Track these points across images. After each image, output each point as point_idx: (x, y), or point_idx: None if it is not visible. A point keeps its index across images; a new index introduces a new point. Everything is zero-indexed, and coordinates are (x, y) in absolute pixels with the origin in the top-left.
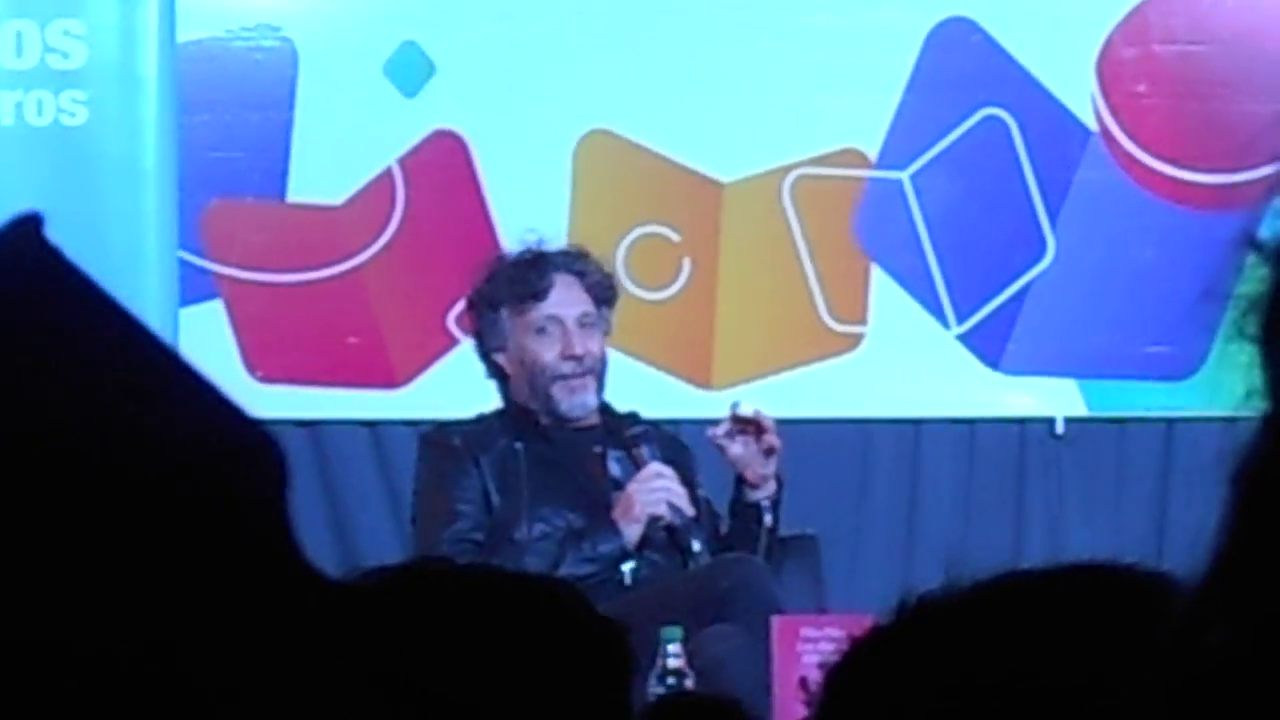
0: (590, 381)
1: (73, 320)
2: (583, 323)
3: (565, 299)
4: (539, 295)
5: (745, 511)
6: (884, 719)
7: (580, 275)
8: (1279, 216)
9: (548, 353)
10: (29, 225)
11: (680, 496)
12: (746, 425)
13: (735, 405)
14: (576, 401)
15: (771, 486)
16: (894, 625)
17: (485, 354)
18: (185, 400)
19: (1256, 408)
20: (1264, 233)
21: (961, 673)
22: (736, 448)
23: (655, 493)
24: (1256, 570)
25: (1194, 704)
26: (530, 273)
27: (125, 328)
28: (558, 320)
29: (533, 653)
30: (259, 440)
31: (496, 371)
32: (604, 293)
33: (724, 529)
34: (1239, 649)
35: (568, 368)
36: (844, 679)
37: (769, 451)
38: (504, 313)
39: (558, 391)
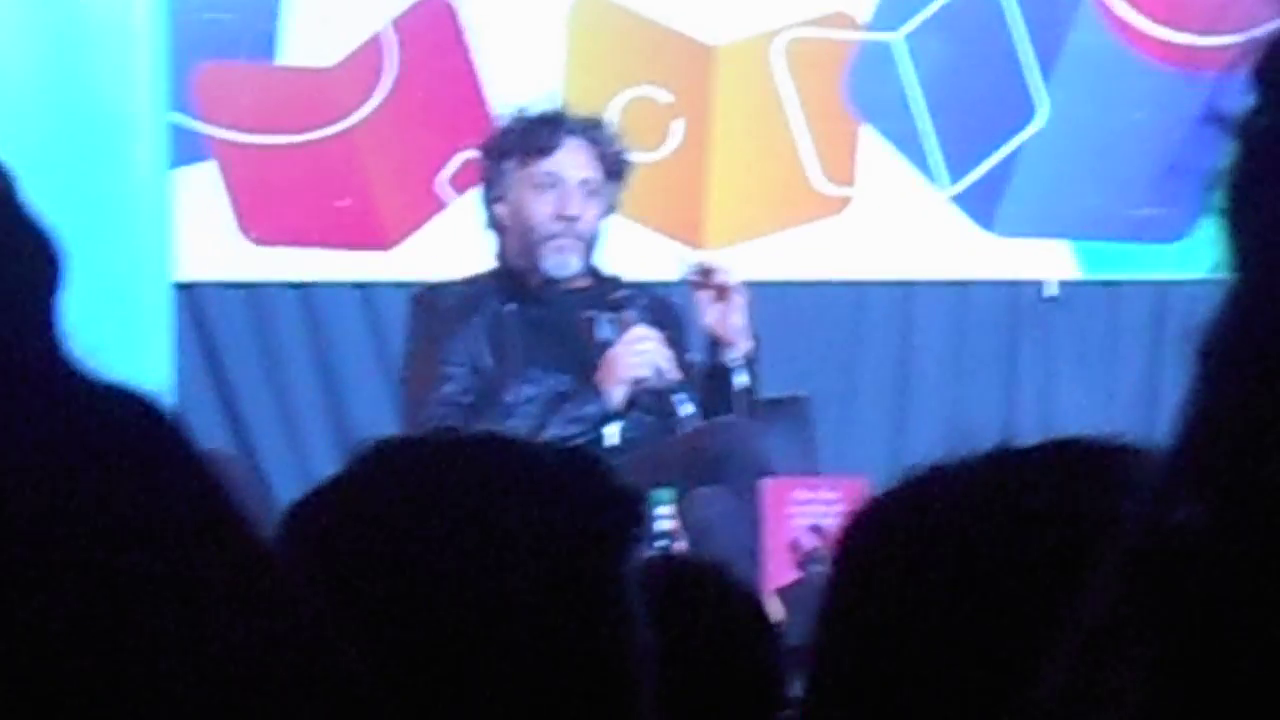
0: (577, 246)
1: None
2: (584, 189)
3: (571, 161)
4: (545, 151)
5: (718, 372)
6: (888, 579)
7: (593, 142)
8: (1244, 90)
9: (542, 209)
10: None
11: (664, 359)
12: (709, 279)
13: (700, 262)
14: (559, 261)
15: (744, 346)
16: (898, 492)
17: (487, 203)
18: None
19: (1225, 282)
20: (1228, 107)
21: (962, 538)
22: (708, 309)
23: (639, 355)
24: (1222, 447)
25: (1158, 580)
26: (542, 128)
27: None
28: (558, 178)
29: (541, 517)
30: (36, 236)
31: (494, 223)
32: (614, 165)
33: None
34: (1203, 526)
35: (558, 227)
36: (851, 543)
37: (734, 307)
38: (509, 164)
39: (544, 250)
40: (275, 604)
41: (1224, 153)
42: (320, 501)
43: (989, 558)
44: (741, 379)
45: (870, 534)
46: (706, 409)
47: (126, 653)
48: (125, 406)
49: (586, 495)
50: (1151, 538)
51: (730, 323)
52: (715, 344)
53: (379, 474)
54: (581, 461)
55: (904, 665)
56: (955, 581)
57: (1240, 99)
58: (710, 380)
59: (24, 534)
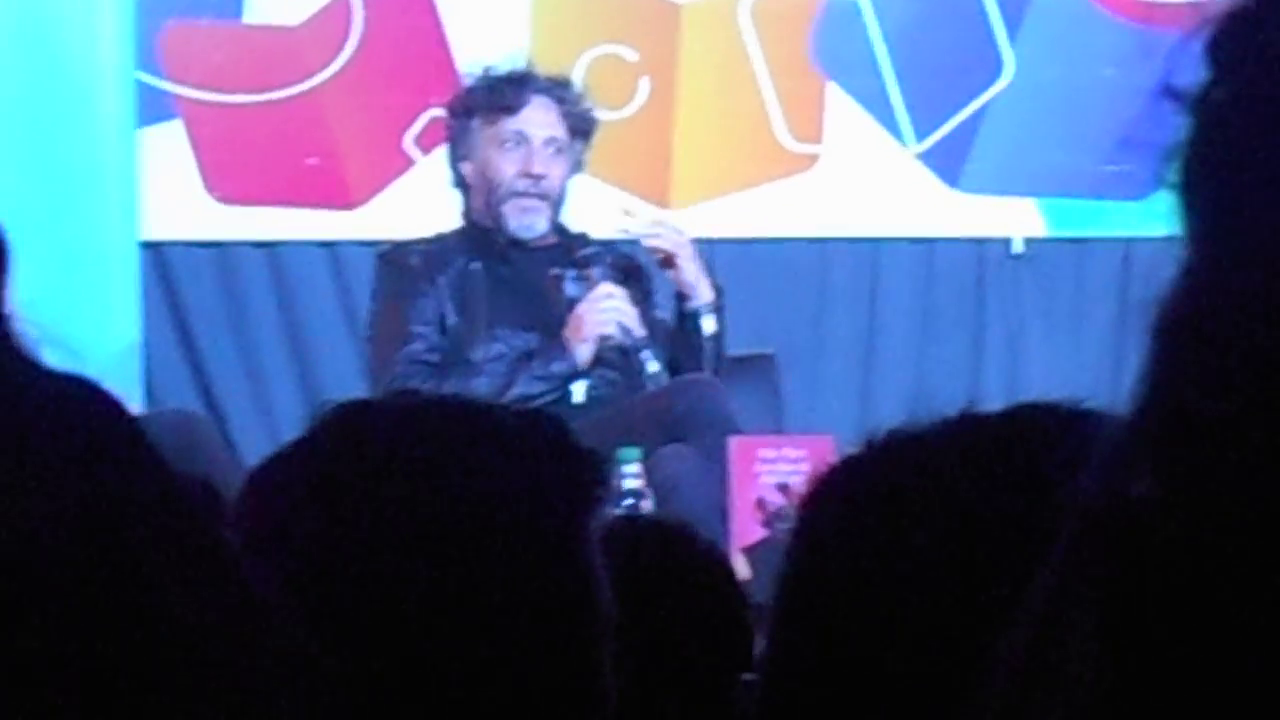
0: (543, 206)
1: None
2: (550, 147)
3: (537, 119)
4: (510, 109)
5: (685, 321)
6: (850, 545)
7: (559, 101)
8: (1198, 63)
9: (507, 167)
10: None
11: (629, 316)
12: (651, 242)
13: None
14: (525, 222)
15: (706, 294)
16: (864, 456)
17: (453, 162)
18: None
19: (1178, 258)
20: (1181, 81)
21: (927, 504)
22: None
23: (604, 313)
24: (1174, 422)
25: (1110, 552)
26: (508, 87)
27: None
28: (524, 137)
29: (501, 480)
30: None
31: (461, 182)
32: (580, 124)
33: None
34: (1155, 500)
35: (523, 185)
36: (816, 507)
37: (684, 264)
38: (475, 122)
39: (509, 209)
40: (228, 593)
41: (1178, 127)
42: (282, 467)
43: (952, 524)
44: (709, 325)
45: (833, 499)
46: (675, 359)
47: (82, 647)
48: (77, 397)
49: (549, 457)
50: (1105, 510)
51: (685, 278)
52: (680, 294)
53: (340, 439)
54: (544, 423)
55: (865, 629)
56: (917, 548)
57: (1194, 72)
58: (678, 329)
59: None
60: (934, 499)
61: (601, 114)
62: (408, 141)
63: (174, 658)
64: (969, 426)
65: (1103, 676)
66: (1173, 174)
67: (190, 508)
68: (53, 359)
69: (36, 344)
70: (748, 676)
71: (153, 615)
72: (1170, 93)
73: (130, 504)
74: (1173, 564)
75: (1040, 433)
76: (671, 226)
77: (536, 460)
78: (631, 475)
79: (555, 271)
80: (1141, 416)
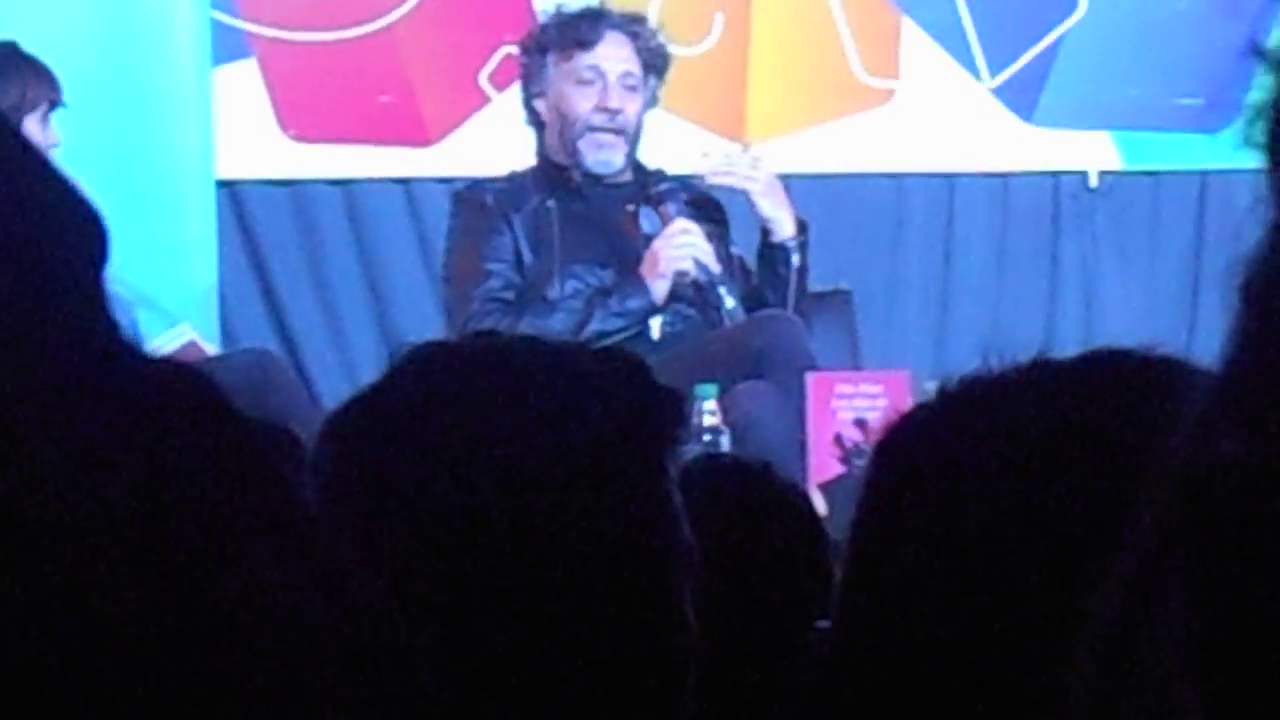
0: (619, 141)
1: None
2: (625, 82)
3: (612, 54)
4: (585, 45)
5: (769, 254)
6: (925, 495)
7: (634, 37)
8: None
9: (583, 103)
10: None
11: (705, 252)
12: (730, 177)
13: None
14: (601, 158)
15: (787, 229)
16: (938, 403)
17: (527, 99)
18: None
19: (1263, 216)
20: (1269, 41)
21: (1001, 450)
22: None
23: (680, 248)
24: (1263, 381)
25: (1202, 511)
26: (583, 23)
27: None
28: (599, 72)
29: (580, 419)
30: (83, 212)
31: (535, 119)
32: (655, 60)
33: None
34: (1249, 459)
35: (599, 120)
36: (890, 452)
37: (764, 197)
38: (550, 58)
39: (585, 145)
40: (323, 579)
41: (1264, 86)
42: (360, 410)
43: (1025, 473)
44: (795, 259)
45: (906, 447)
46: (759, 293)
47: (181, 633)
48: (177, 385)
49: (627, 395)
50: (1196, 469)
51: (762, 213)
52: (764, 229)
53: (418, 381)
54: (621, 363)
55: (936, 578)
56: (990, 497)
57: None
58: (762, 263)
59: (87, 513)
60: (1008, 447)
61: (676, 49)
62: (482, 79)
63: (248, 618)
64: (1044, 373)
65: (1194, 637)
66: (1258, 133)
67: (293, 494)
68: (139, 310)
69: (128, 304)
70: (822, 623)
71: (226, 580)
72: (1257, 51)
73: (230, 494)
74: (1263, 525)
75: (1116, 380)
76: (746, 161)
77: (614, 398)
78: (709, 412)
79: (631, 208)
80: (1230, 376)
